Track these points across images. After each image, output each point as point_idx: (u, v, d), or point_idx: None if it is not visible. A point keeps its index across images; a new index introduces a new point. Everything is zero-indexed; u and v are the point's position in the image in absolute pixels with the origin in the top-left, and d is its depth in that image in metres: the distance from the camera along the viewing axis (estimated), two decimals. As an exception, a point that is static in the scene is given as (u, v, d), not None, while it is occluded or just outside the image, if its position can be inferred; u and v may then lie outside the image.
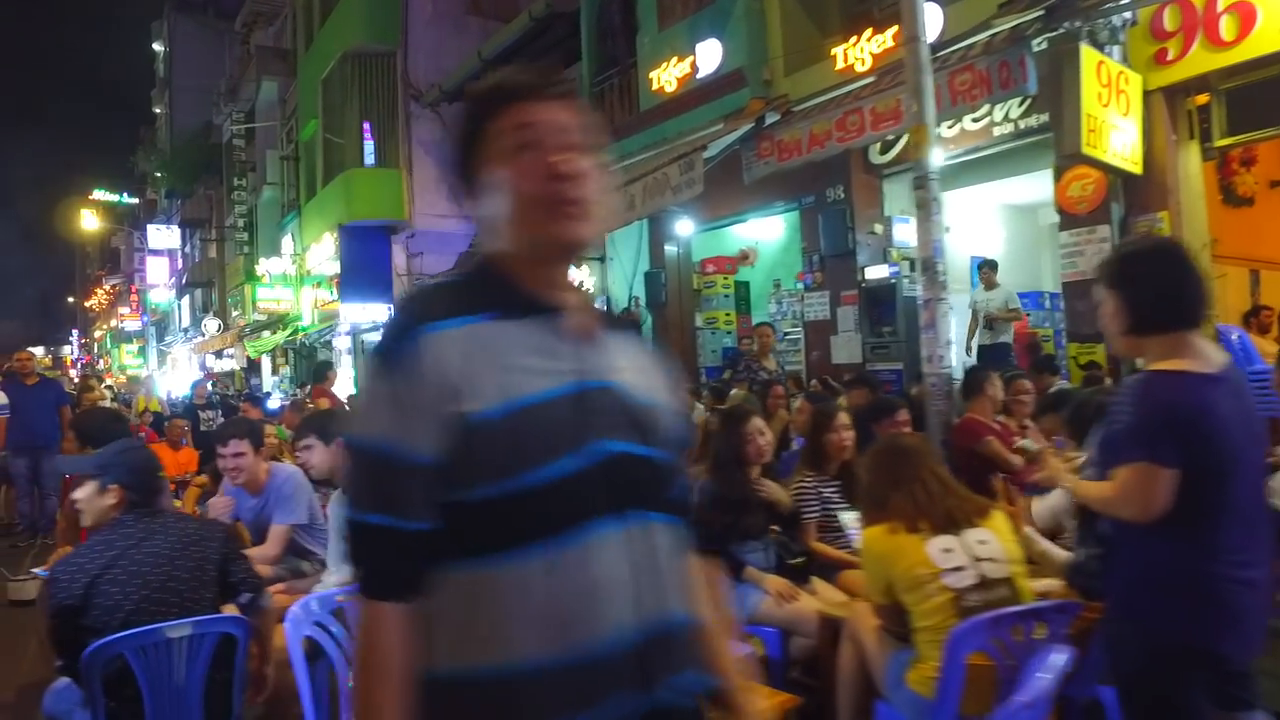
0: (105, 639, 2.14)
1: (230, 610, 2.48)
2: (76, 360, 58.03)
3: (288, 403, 12.91)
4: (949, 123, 7.57)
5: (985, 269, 8.47)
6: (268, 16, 23.52)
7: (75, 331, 68.63)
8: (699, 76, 9.11)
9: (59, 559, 2.51)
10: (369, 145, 15.00)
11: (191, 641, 2.23)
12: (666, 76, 9.46)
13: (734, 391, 8.28)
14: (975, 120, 7.60)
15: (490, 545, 1.01)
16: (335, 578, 3.09)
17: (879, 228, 8.59)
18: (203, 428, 9.54)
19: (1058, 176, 6.75)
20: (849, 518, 3.23)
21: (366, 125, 15.01)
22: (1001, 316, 8.21)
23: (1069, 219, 6.73)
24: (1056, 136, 5.97)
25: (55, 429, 7.79)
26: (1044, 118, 6.68)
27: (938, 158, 4.83)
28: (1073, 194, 6.62)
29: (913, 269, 8.72)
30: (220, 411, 11.31)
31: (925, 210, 4.58)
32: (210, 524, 2.69)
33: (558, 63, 12.54)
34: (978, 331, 8.44)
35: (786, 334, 9.81)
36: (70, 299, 71.68)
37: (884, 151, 8.46)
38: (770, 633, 2.89)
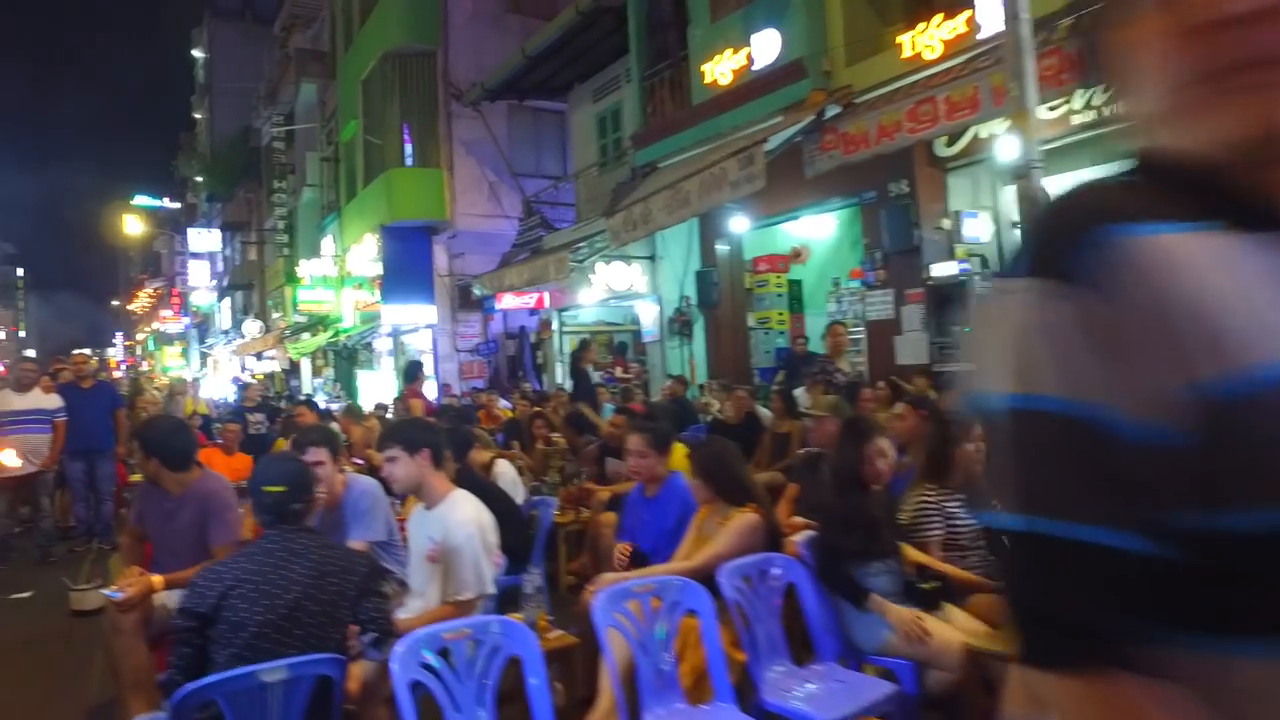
0: (198, 683, 1.92)
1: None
2: (121, 362, 58.99)
3: (333, 406, 12.84)
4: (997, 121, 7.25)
5: None
6: (306, 19, 23.58)
7: (119, 334, 69.92)
8: (755, 69, 8.81)
9: (203, 568, 2.36)
10: (410, 145, 14.89)
11: (288, 685, 2.01)
12: (721, 69, 9.17)
13: (797, 391, 7.99)
14: (1051, 109, 7.23)
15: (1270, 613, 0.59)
16: (419, 602, 2.87)
17: (946, 223, 8.23)
18: (251, 431, 9.43)
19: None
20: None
21: (407, 125, 14.90)
22: None
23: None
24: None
25: (110, 433, 7.71)
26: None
27: (1034, 147, 4.51)
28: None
29: (984, 265, 8.39)
30: (265, 415, 11.24)
31: (1029, 203, 4.25)
32: (354, 556, 2.48)
33: (604, 58, 12.34)
34: None
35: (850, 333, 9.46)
36: (114, 302, 73.12)
37: (950, 144, 8.11)
38: (903, 665, 2.62)
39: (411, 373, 9.43)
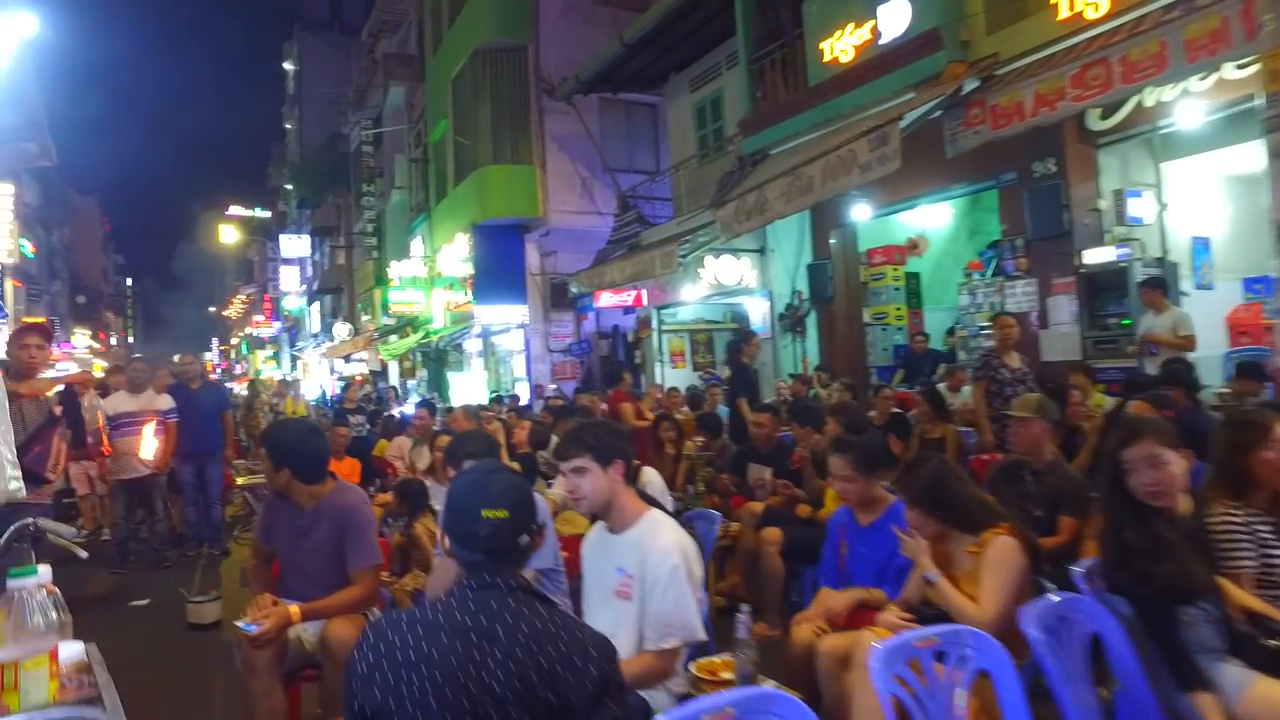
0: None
1: None
2: (217, 366, 61.34)
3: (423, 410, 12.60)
4: (1169, 86, 6.43)
5: (1148, 289, 6.78)
6: (393, 24, 23.79)
7: (215, 339, 72.87)
8: (881, 42, 8.14)
9: (370, 624, 1.62)
10: (501, 142, 14.65)
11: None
12: (841, 45, 8.53)
13: (965, 389, 7.28)
14: (1202, 79, 6.39)
15: None
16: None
17: (1103, 203, 7.42)
18: (352, 433, 9.21)
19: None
20: None
21: (498, 122, 14.66)
22: (1168, 341, 6.63)
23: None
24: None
25: (219, 435, 7.56)
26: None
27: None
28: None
29: (1144, 250, 7.52)
30: (366, 417, 11.07)
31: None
32: (584, 644, 1.50)
33: (704, 44, 11.81)
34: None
35: (982, 328, 8.69)
36: (211, 308, 76.30)
37: (1105, 116, 7.30)
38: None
39: (614, 374, 8.31)
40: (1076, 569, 2.39)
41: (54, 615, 1.87)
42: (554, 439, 6.60)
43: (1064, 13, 6.75)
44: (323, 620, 2.84)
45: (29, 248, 36.37)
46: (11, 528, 2.39)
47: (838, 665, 2.52)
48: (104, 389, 7.63)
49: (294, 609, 2.72)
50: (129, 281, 73.16)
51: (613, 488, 2.31)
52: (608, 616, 2.40)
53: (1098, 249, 7.46)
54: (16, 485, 3.27)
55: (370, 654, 1.46)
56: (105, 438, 6.72)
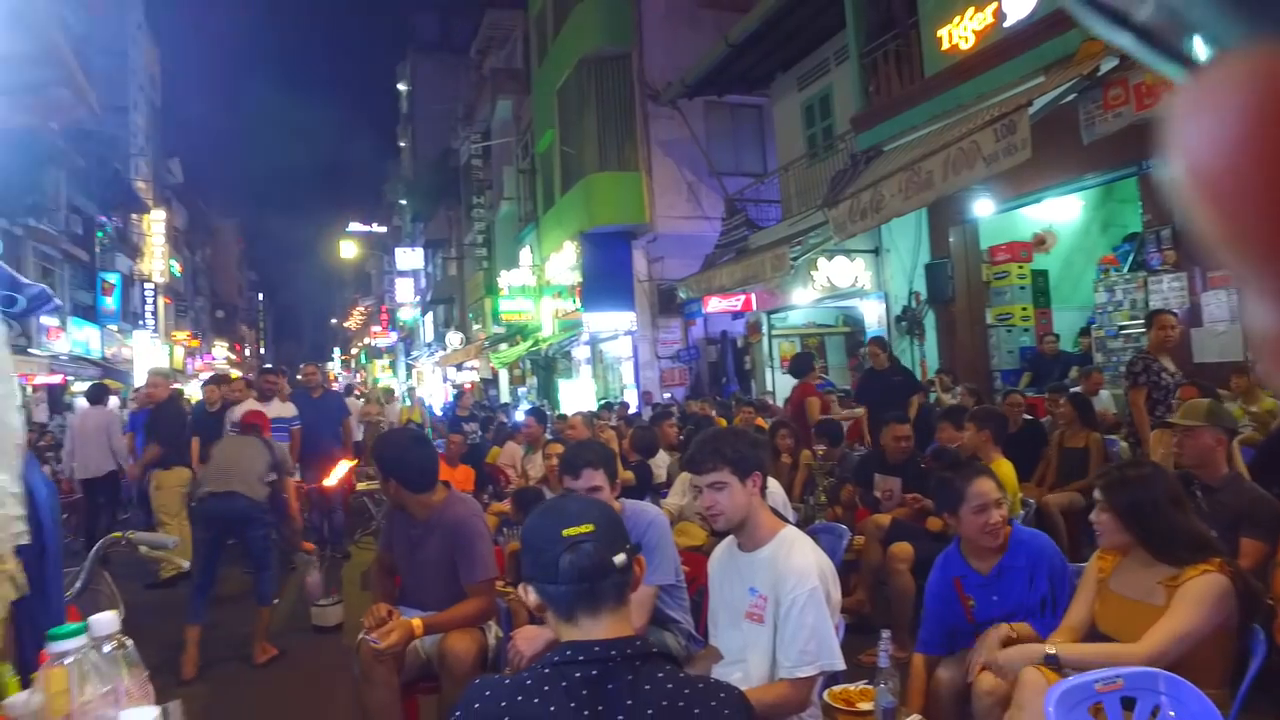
0: None
1: None
2: (338, 375, 64.52)
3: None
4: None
5: None
6: (499, 40, 24.38)
7: (336, 349, 76.77)
8: (1006, 25, 7.67)
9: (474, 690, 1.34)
10: (607, 149, 14.71)
11: None
12: (961, 31, 8.10)
13: (1103, 394, 6.76)
14: None
15: None
16: (734, 672, 2.20)
17: (1269, 187, 6.71)
18: (467, 441, 9.36)
19: None
20: None
21: (604, 129, 14.73)
22: None
23: None
24: None
25: (338, 441, 7.80)
26: None
27: None
28: None
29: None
30: (480, 424, 11.25)
31: None
32: (730, 704, 1.32)
33: (811, 41, 11.50)
34: None
35: (1122, 328, 8.05)
36: (332, 321, 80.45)
37: (1271, 89, 6.60)
38: None
39: (803, 366, 7.42)
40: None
41: (121, 675, 1.41)
42: (661, 449, 6.47)
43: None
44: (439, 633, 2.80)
45: (177, 267, 39.31)
46: (99, 542, 2.34)
47: (999, 707, 2.26)
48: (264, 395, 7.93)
49: (416, 622, 2.67)
50: (260, 297, 77.98)
51: (750, 502, 2.14)
52: (737, 639, 2.23)
53: (1261, 238, 6.77)
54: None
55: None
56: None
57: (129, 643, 1.48)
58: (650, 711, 1.25)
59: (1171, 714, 1.71)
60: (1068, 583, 2.60)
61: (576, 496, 1.35)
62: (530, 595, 1.41)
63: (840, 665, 2.08)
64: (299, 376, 8.53)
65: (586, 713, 1.24)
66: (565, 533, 1.37)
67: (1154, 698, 1.73)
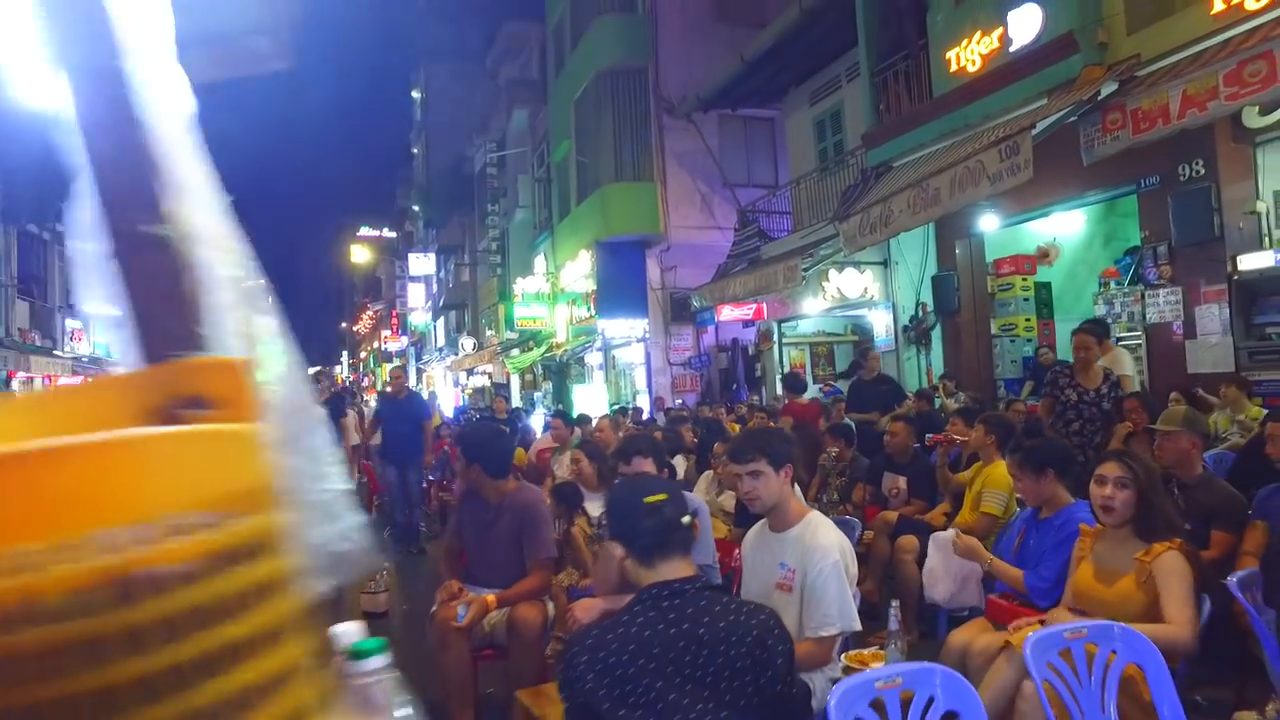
0: None
1: None
2: (345, 379, 65.01)
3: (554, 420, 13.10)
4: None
5: None
6: (516, 50, 24.83)
7: (345, 353, 77.32)
8: (1012, 49, 8.03)
9: (578, 629, 1.87)
10: (623, 160, 15.11)
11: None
12: (969, 54, 8.46)
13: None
14: None
15: None
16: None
17: (1261, 206, 7.07)
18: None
19: None
20: None
21: (619, 140, 15.14)
22: None
23: None
24: None
25: (418, 442, 8.05)
26: None
27: None
28: None
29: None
30: (509, 425, 11.63)
31: None
32: (773, 618, 1.77)
33: (823, 58, 11.88)
34: None
35: (1120, 339, 8.38)
36: (341, 324, 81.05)
37: (1265, 113, 6.95)
38: None
39: (796, 384, 8.83)
40: (1232, 579, 2.42)
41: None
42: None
43: (1218, 5, 6.49)
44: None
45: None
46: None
47: (989, 662, 2.63)
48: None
49: (490, 597, 3.08)
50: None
51: (782, 489, 2.53)
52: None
53: (1255, 254, 7.10)
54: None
55: (591, 672, 1.61)
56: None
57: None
58: (722, 625, 1.68)
59: (1116, 654, 2.08)
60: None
61: (649, 475, 1.79)
62: (618, 549, 1.81)
63: (857, 627, 2.45)
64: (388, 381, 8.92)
65: (674, 630, 1.65)
66: (646, 500, 1.79)
67: (1110, 643, 2.10)
